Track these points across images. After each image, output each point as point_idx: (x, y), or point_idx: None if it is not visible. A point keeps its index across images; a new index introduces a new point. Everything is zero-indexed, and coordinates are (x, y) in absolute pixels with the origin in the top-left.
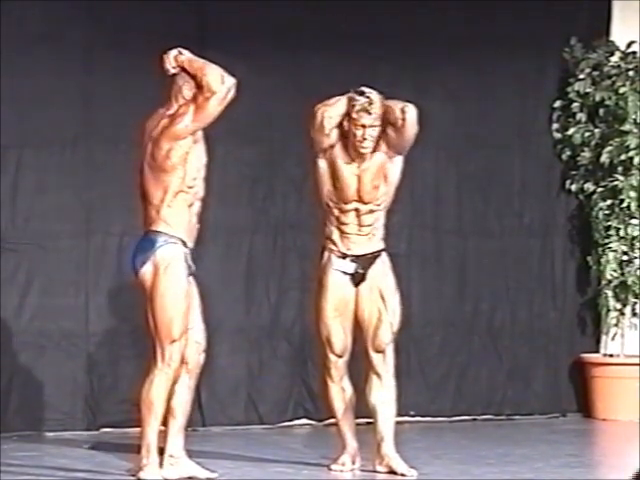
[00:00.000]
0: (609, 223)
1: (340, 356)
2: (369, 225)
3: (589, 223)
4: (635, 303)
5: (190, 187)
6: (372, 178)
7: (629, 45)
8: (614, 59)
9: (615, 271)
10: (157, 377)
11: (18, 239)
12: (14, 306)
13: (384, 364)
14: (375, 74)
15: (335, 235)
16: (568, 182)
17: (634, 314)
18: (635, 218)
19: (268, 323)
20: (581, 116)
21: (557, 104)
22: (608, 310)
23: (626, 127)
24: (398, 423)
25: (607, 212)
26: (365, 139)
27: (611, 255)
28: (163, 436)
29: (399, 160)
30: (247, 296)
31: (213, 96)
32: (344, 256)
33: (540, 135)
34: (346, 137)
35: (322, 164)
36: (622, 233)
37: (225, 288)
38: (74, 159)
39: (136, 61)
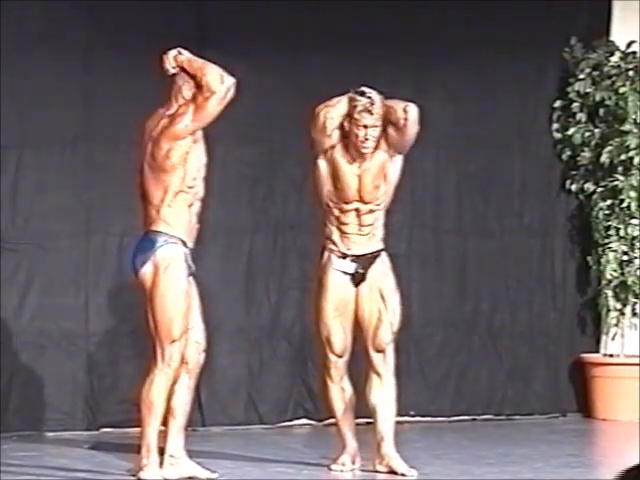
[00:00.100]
0: (609, 223)
1: (340, 356)
2: (369, 225)
3: (589, 223)
4: (635, 303)
5: (190, 187)
6: (373, 178)
7: (629, 45)
8: (614, 59)
9: (615, 271)
10: (157, 377)
11: (18, 239)
12: (14, 306)
13: (384, 364)
14: (375, 74)
15: (335, 235)
16: (568, 182)
17: (634, 314)
18: (635, 218)
19: (268, 323)
20: (581, 116)
21: (557, 104)
22: (608, 310)
23: (626, 127)
24: (398, 423)
25: (607, 212)
26: (367, 139)
27: (611, 255)
28: (163, 436)
29: (399, 159)
30: (247, 296)
31: (212, 96)
32: (344, 256)
33: (540, 135)
34: (347, 137)
35: (322, 164)
36: (622, 233)
37: (225, 288)
38: (74, 159)
39: (136, 61)
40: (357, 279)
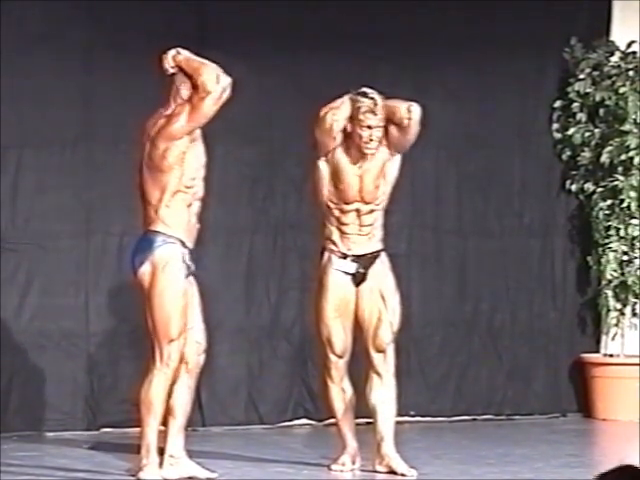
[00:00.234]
0: (609, 223)
1: (341, 357)
2: (369, 225)
3: (589, 223)
4: (635, 303)
5: (188, 187)
6: (374, 178)
7: (629, 45)
8: (614, 59)
9: (615, 271)
10: (156, 377)
11: (18, 239)
12: (14, 306)
13: (385, 364)
14: (375, 74)
15: (335, 235)
16: (568, 182)
17: (634, 314)
18: (635, 218)
19: (268, 323)
20: (581, 116)
21: (557, 104)
22: (608, 310)
23: (626, 127)
24: (398, 423)
25: (607, 212)
26: (371, 140)
27: (611, 255)
28: (163, 436)
29: (397, 159)
30: (247, 296)
31: (208, 96)
32: (345, 256)
33: (540, 135)
34: (348, 138)
35: (323, 166)
36: (622, 233)
37: (225, 288)
38: (74, 159)
39: (136, 61)
40: (358, 279)
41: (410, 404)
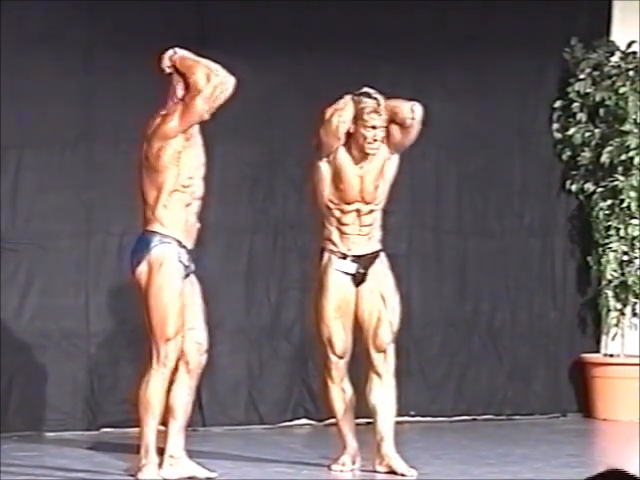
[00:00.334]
0: (609, 223)
1: (341, 357)
2: (369, 225)
3: (589, 223)
4: (635, 303)
5: (186, 186)
6: (374, 178)
7: (629, 45)
8: (614, 59)
9: (615, 271)
10: (153, 377)
11: (18, 239)
12: (14, 306)
13: (385, 364)
14: (375, 74)
15: (335, 236)
16: (568, 182)
17: (634, 314)
18: (635, 218)
19: (268, 323)
20: (581, 116)
21: (557, 104)
22: (608, 310)
23: (626, 127)
24: (398, 423)
25: (607, 212)
26: (375, 140)
27: (611, 255)
28: (163, 436)
29: (396, 158)
30: (247, 296)
31: (199, 94)
32: (345, 256)
33: (540, 135)
34: (350, 138)
35: (324, 166)
36: (622, 233)
37: (225, 288)
38: (74, 159)
39: (136, 61)
40: (358, 279)
41: (410, 404)
